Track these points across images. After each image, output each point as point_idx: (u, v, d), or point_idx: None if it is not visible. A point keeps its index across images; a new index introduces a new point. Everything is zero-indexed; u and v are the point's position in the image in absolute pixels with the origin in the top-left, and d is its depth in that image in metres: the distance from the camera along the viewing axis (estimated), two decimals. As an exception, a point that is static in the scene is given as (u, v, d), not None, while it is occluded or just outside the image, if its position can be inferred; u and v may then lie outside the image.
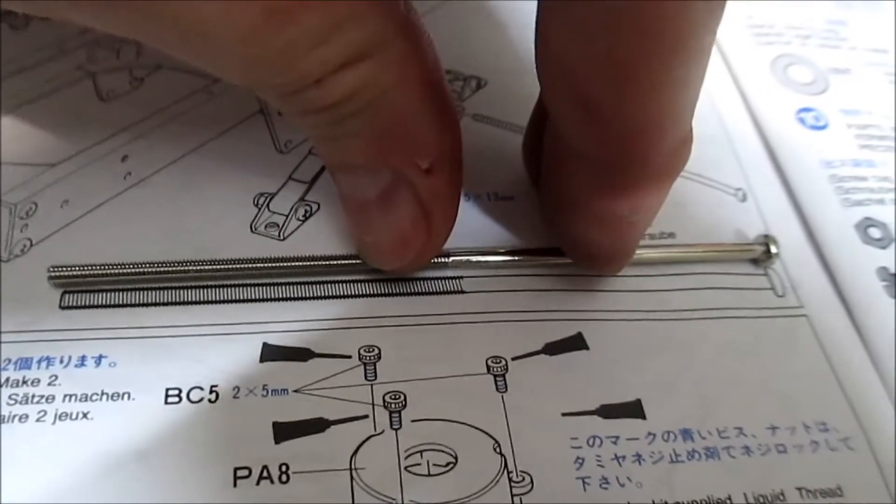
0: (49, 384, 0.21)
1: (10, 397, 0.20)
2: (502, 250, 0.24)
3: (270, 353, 0.22)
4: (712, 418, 0.22)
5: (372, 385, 0.21)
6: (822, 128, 0.30)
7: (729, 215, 0.27)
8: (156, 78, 0.28)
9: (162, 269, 0.22)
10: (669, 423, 0.22)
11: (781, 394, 0.23)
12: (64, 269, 0.22)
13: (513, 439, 0.21)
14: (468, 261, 0.24)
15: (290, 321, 0.22)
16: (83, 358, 0.21)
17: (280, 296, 0.23)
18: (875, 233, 0.27)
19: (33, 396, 0.20)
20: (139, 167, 0.25)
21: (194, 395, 0.21)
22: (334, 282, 0.23)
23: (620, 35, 0.16)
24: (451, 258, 0.24)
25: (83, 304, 0.22)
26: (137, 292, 0.22)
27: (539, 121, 0.24)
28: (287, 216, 0.24)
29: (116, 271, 0.22)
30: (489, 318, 0.23)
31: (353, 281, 0.23)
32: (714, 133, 0.30)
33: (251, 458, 0.20)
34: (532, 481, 0.20)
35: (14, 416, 0.20)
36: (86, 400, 0.20)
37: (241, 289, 0.23)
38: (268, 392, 0.21)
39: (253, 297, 0.23)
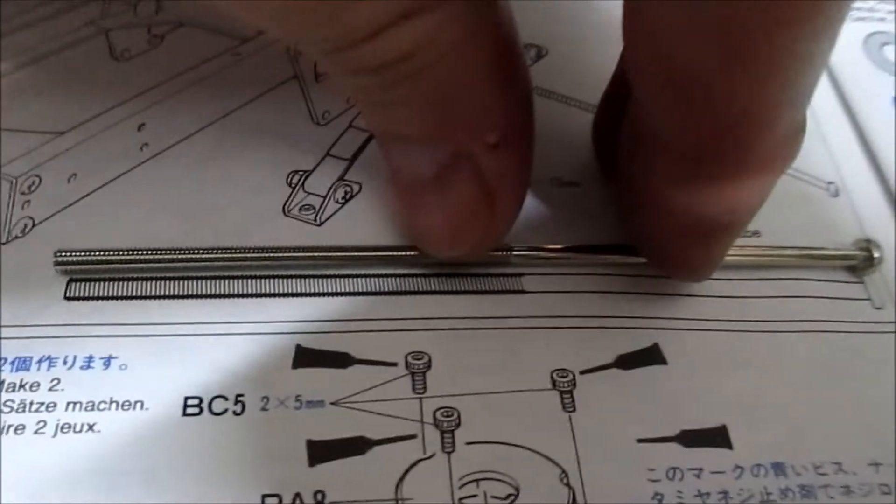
0: (50, 389, 0.18)
1: (5, 404, 0.17)
2: (572, 245, 0.21)
3: (305, 357, 0.19)
4: (805, 450, 0.19)
5: (421, 399, 0.19)
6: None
7: (819, 212, 0.24)
8: (177, 36, 0.25)
9: (184, 256, 0.19)
10: (759, 454, 0.19)
11: (881, 424, 0.20)
12: (72, 253, 0.19)
13: (582, 469, 0.18)
14: (532, 256, 0.21)
15: (327, 320, 0.20)
16: (90, 358, 0.18)
17: (316, 290, 0.20)
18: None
19: (32, 404, 0.18)
20: (157, 138, 0.22)
21: (217, 406, 0.18)
22: (378, 276, 0.21)
23: None
24: (514, 252, 0.21)
25: (91, 294, 0.19)
26: (153, 283, 0.20)
27: (614, 99, 0.21)
28: (325, 198, 0.22)
29: (132, 258, 0.19)
30: (554, 323, 0.20)
31: (400, 275, 0.21)
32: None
33: (282, 483, 0.17)
34: (604, 519, 0.18)
35: (9, 427, 0.17)
36: (92, 409, 0.18)
37: (271, 281, 0.20)
38: (301, 404, 0.18)
39: (285, 290, 0.20)
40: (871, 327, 0.22)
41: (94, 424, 0.17)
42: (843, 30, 0.14)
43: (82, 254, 0.19)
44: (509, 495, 0.18)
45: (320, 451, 0.18)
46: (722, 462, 0.19)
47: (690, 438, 0.19)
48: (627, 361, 0.20)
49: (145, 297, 0.19)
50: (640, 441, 0.19)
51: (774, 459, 0.19)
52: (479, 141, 0.17)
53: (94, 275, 0.19)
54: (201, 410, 0.18)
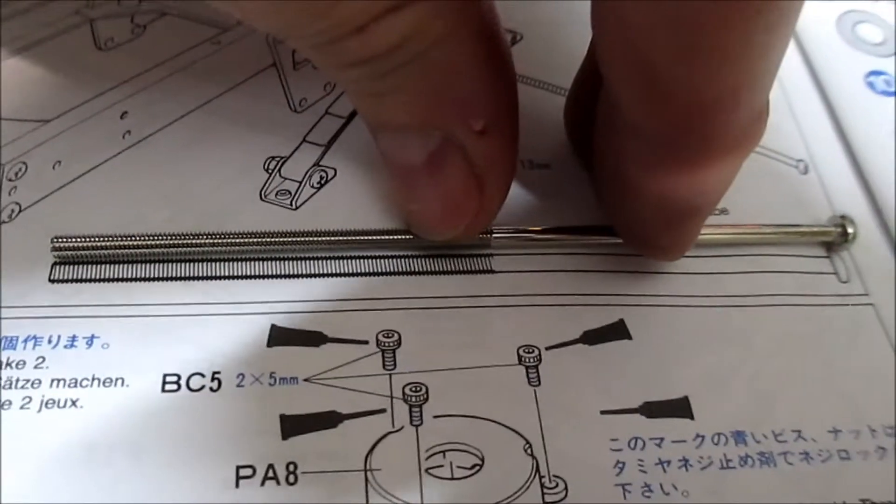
0: (35, 367, 0.19)
1: (-8, 381, 0.18)
2: (552, 227, 0.22)
3: (279, 336, 0.20)
4: (768, 419, 0.20)
5: (391, 375, 0.19)
6: (894, 93, 0.27)
7: (788, 189, 0.25)
8: (159, 25, 0.25)
9: (174, 241, 0.20)
10: (720, 424, 0.20)
11: (845, 393, 0.21)
12: (69, 239, 0.20)
13: (546, 439, 0.19)
14: (514, 238, 0.21)
15: (301, 300, 0.20)
16: (73, 338, 0.19)
17: (291, 272, 0.21)
18: (952, 213, 0.24)
19: (18, 381, 0.18)
20: (139, 125, 0.23)
21: (194, 383, 0.19)
22: (350, 257, 0.21)
23: None
24: (494, 235, 0.21)
25: (75, 277, 0.20)
26: (134, 266, 0.20)
27: (585, 84, 0.21)
28: (300, 183, 0.22)
29: (128, 243, 0.20)
30: (521, 301, 0.21)
31: (373, 257, 0.21)
32: (772, 97, 0.27)
33: (256, 455, 0.18)
34: (566, 487, 0.18)
35: (-5, 403, 0.18)
36: (75, 385, 0.18)
37: (247, 264, 0.21)
38: (275, 380, 0.19)
39: (261, 273, 0.21)
40: (837, 300, 0.23)
41: (76, 400, 0.18)
42: (815, 8, 0.15)
43: (79, 240, 0.20)
44: (474, 465, 0.18)
45: (293, 425, 0.18)
46: (683, 432, 0.20)
47: (653, 409, 0.20)
48: (593, 337, 0.21)
49: (127, 280, 0.20)
50: (604, 413, 0.20)
51: (735, 428, 0.20)
52: (466, 127, 0.18)
53: (85, 259, 0.20)
54: (179, 387, 0.19)
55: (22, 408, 0.18)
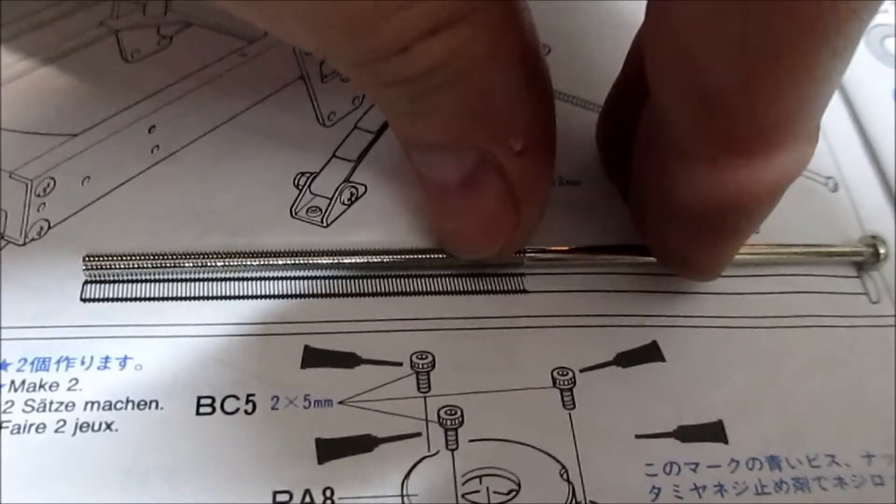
0: (69, 389, 0.18)
1: (26, 403, 0.18)
2: (584, 246, 0.22)
3: (313, 357, 0.20)
4: (801, 443, 0.20)
5: (425, 398, 0.19)
6: (923, 109, 0.27)
7: (818, 207, 0.24)
8: (185, 36, 0.25)
9: (211, 259, 0.20)
10: (754, 448, 0.20)
11: (876, 415, 0.21)
12: (101, 258, 0.20)
13: (581, 464, 0.19)
14: (545, 258, 0.21)
15: (334, 321, 0.20)
16: (106, 359, 0.19)
17: (322, 291, 0.21)
18: (982, 233, 0.24)
19: (52, 403, 0.18)
20: (167, 139, 0.23)
21: (229, 406, 0.19)
22: (382, 276, 0.21)
23: (762, 16, 0.13)
24: (527, 254, 0.21)
25: (106, 296, 0.20)
26: (166, 285, 0.20)
27: (620, 102, 0.21)
28: (331, 199, 0.22)
29: (160, 261, 0.20)
30: (554, 322, 0.21)
31: (405, 276, 0.21)
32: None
33: (292, 480, 0.18)
34: (603, 513, 0.18)
35: (31, 426, 0.18)
36: (109, 408, 0.18)
37: (279, 283, 0.21)
38: (310, 403, 0.19)
39: (292, 292, 0.21)
40: (868, 321, 0.23)
41: (111, 423, 0.18)
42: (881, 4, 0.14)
43: (112, 259, 0.20)
44: (511, 491, 0.18)
45: (329, 449, 0.18)
46: (718, 456, 0.20)
47: (687, 433, 0.20)
48: (626, 359, 0.21)
49: (159, 299, 0.20)
50: (638, 437, 0.19)
51: (769, 453, 0.20)
52: (504, 148, 0.18)
53: (118, 278, 0.20)
54: (214, 410, 0.19)
55: (56, 431, 0.18)
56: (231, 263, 0.20)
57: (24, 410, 0.18)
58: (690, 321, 0.22)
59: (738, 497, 0.19)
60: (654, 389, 0.20)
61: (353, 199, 0.22)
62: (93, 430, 0.18)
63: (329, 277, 0.21)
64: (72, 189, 0.21)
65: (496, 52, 0.16)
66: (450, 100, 0.16)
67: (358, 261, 0.21)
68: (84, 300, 0.20)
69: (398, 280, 0.21)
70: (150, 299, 0.20)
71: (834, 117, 0.26)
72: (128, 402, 0.18)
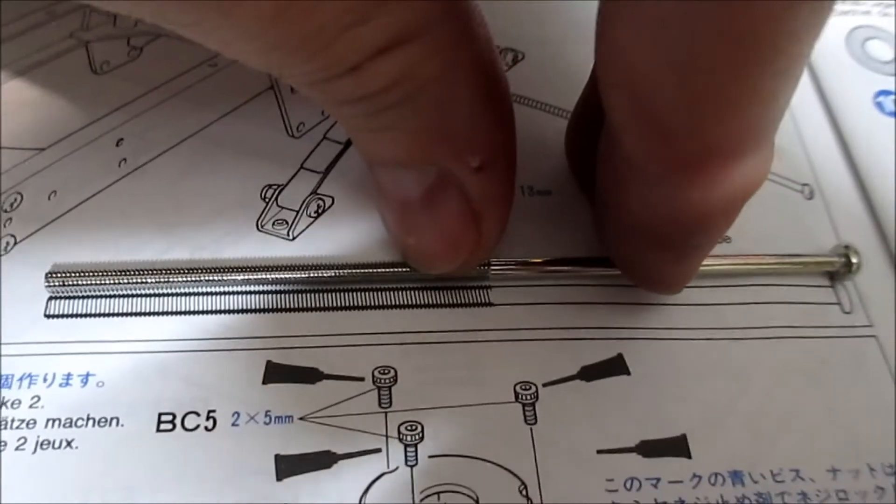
0: (31, 406, 0.19)
1: (-13, 421, 0.18)
2: (552, 259, 0.22)
3: (275, 373, 0.20)
4: (766, 458, 0.20)
5: (386, 413, 0.19)
6: (903, 114, 0.27)
7: (793, 215, 0.24)
8: (155, 47, 0.25)
9: (174, 273, 0.20)
10: (718, 463, 0.20)
11: (845, 429, 0.21)
12: (64, 274, 0.20)
13: (541, 480, 0.19)
14: (512, 271, 0.21)
15: (298, 335, 0.20)
16: (68, 376, 0.19)
17: (286, 306, 0.21)
18: (959, 241, 0.24)
19: (13, 421, 0.18)
20: (135, 152, 0.23)
21: (189, 422, 0.19)
22: (349, 290, 0.21)
23: (706, 39, 0.13)
24: (492, 267, 0.21)
25: (70, 312, 0.20)
26: (130, 300, 0.20)
27: (586, 112, 0.21)
28: (297, 212, 0.22)
29: (123, 277, 0.20)
30: (520, 335, 0.21)
31: (369, 290, 0.21)
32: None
33: (251, 496, 0.18)
34: (561, 529, 0.18)
35: (-9, 445, 0.18)
36: (70, 425, 0.18)
37: (243, 297, 0.21)
38: (271, 419, 0.19)
39: (256, 306, 0.21)
40: (840, 332, 0.22)
41: (72, 441, 0.18)
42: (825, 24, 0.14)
43: (72, 274, 0.20)
44: (469, 507, 0.18)
45: (288, 466, 0.18)
46: (680, 471, 0.19)
47: (650, 448, 0.20)
48: (590, 373, 0.20)
49: (122, 315, 0.20)
50: (600, 452, 0.19)
51: (733, 468, 0.20)
52: (462, 164, 0.18)
53: (81, 293, 0.20)
54: (174, 426, 0.19)
55: (17, 449, 0.18)
56: (193, 278, 0.20)
57: (-15, 428, 0.18)
58: (657, 333, 0.21)
59: (700, 513, 0.19)
60: (617, 403, 0.20)
61: (319, 211, 0.22)
62: (53, 447, 0.18)
63: (293, 291, 0.21)
64: (39, 204, 0.21)
65: (450, 69, 0.16)
66: (405, 117, 0.16)
67: (322, 275, 0.21)
68: (48, 316, 0.20)
69: (363, 294, 0.21)
70: (113, 315, 0.20)
71: (811, 122, 0.26)
72: (88, 419, 0.19)
